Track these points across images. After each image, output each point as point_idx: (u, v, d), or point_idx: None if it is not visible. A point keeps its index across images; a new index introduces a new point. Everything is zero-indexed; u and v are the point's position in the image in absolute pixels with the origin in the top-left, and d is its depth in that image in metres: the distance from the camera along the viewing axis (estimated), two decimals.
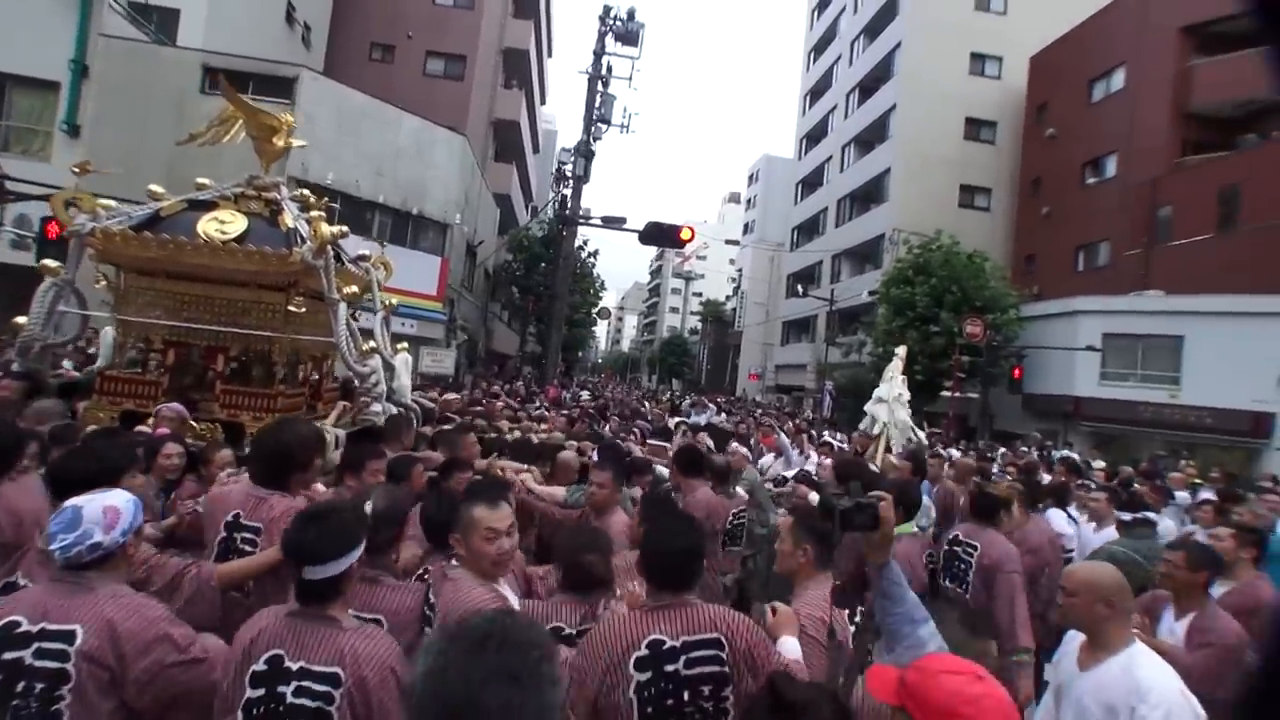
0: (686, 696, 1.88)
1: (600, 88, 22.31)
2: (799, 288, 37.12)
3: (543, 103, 39.50)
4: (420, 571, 2.72)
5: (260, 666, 1.73)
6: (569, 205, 20.97)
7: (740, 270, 55.33)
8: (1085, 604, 2.29)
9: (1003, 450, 13.96)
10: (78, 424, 4.06)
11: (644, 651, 1.91)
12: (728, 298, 62.13)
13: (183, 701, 1.85)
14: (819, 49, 42.73)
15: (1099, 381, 19.42)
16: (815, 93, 42.70)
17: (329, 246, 4.51)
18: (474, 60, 26.56)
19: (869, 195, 33.62)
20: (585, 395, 21.30)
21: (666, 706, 1.88)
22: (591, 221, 21.67)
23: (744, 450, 6.74)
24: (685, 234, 17.97)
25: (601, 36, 21.58)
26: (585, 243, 29.33)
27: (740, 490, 5.61)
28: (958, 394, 20.16)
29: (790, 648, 2.07)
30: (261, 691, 1.71)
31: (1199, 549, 3.37)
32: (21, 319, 4.68)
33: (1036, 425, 19.96)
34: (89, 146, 14.77)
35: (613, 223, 24.07)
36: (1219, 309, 17.37)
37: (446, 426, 6.01)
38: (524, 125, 30.83)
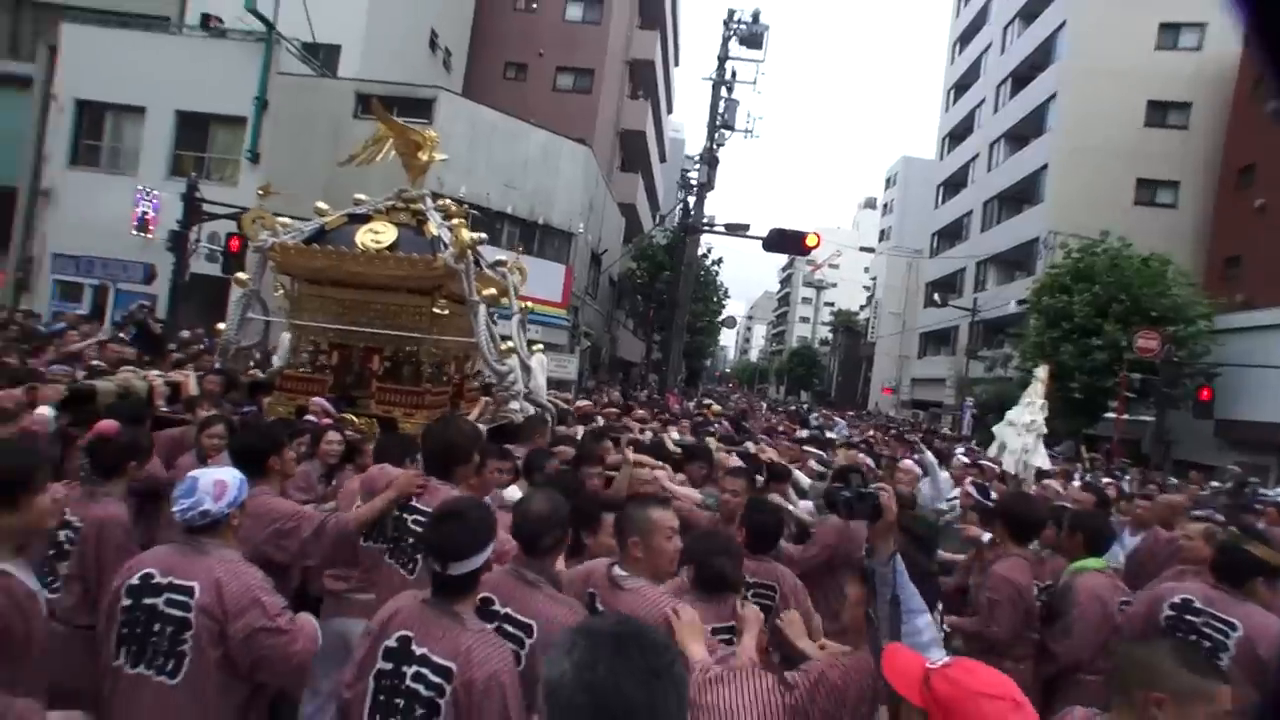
0: None
1: (725, 93, 21.97)
2: (937, 297, 34.52)
3: (669, 112, 39.65)
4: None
5: (392, 643, 1.87)
6: (691, 212, 20.73)
7: (874, 278, 52.59)
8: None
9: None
10: (263, 414, 4.83)
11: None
12: (861, 308, 59.32)
13: (264, 665, 2.06)
14: (965, 38, 39.76)
15: None
16: (960, 86, 39.73)
17: (469, 251, 4.85)
18: (601, 73, 27.11)
19: (1021, 196, 30.64)
20: (712, 405, 20.86)
21: None
22: (714, 229, 21.33)
23: (917, 469, 6.24)
24: (811, 240, 17.24)
25: (725, 40, 21.28)
26: (709, 250, 28.96)
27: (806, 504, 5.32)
28: (1122, 416, 17.64)
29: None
30: (390, 665, 1.86)
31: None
32: (221, 325, 5.41)
33: (1236, 458, 17.00)
34: (266, 171, 16.68)
35: (736, 230, 23.61)
36: None
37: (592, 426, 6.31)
38: (650, 135, 31.03)
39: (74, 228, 16.57)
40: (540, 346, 6.19)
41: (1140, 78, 26.50)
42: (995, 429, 12.70)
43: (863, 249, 40.55)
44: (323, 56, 19.21)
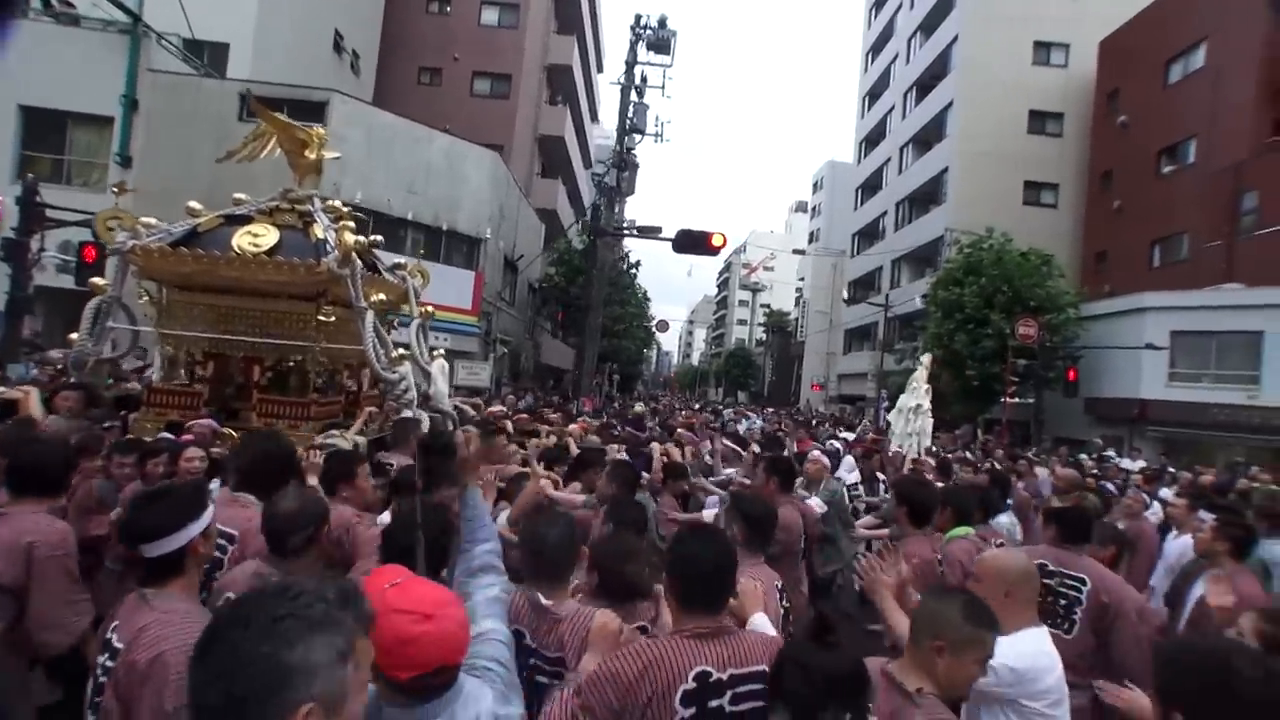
0: None
1: (636, 97, 22.35)
2: (856, 295, 35.81)
3: (594, 118, 39.95)
4: None
5: (106, 635, 1.87)
6: (601, 216, 20.98)
7: (802, 279, 54.05)
8: (988, 591, 2.28)
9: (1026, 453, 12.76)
10: (128, 431, 4.48)
11: (691, 685, 1.76)
12: (794, 308, 60.83)
13: None
14: (876, 49, 41.45)
15: (1167, 383, 17.72)
16: (873, 94, 41.37)
17: (359, 256, 4.64)
18: (519, 79, 27.17)
19: (928, 197, 32.15)
20: (639, 407, 21.15)
21: None
22: (625, 232, 21.64)
23: (824, 459, 6.37)
24: (717, 240, 17.63)
25: (633, 45, 21.59)
26: (626, 255, 29.27)
27: (817, 502, 5.33)
28: (1012, 399, 18.76)
29: (760, 623, 2.12)
30: (101, 658, 1.85)
31: (1105, 526, 3.81)
32: (74, 335, 4.94)
33: (1100, 431, 18.33)
34: (141, 176, 15.72)
35: (648, 232, 23.94)
36: None
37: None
38: (571, 140, 31.23)
39: None
40: (441, 352, 5.97)
41: (1022, 89, 28.48)
42: (889, 415, 13.42)
43: (795, 251, 41.60)
44: (208, 55, 18.38)
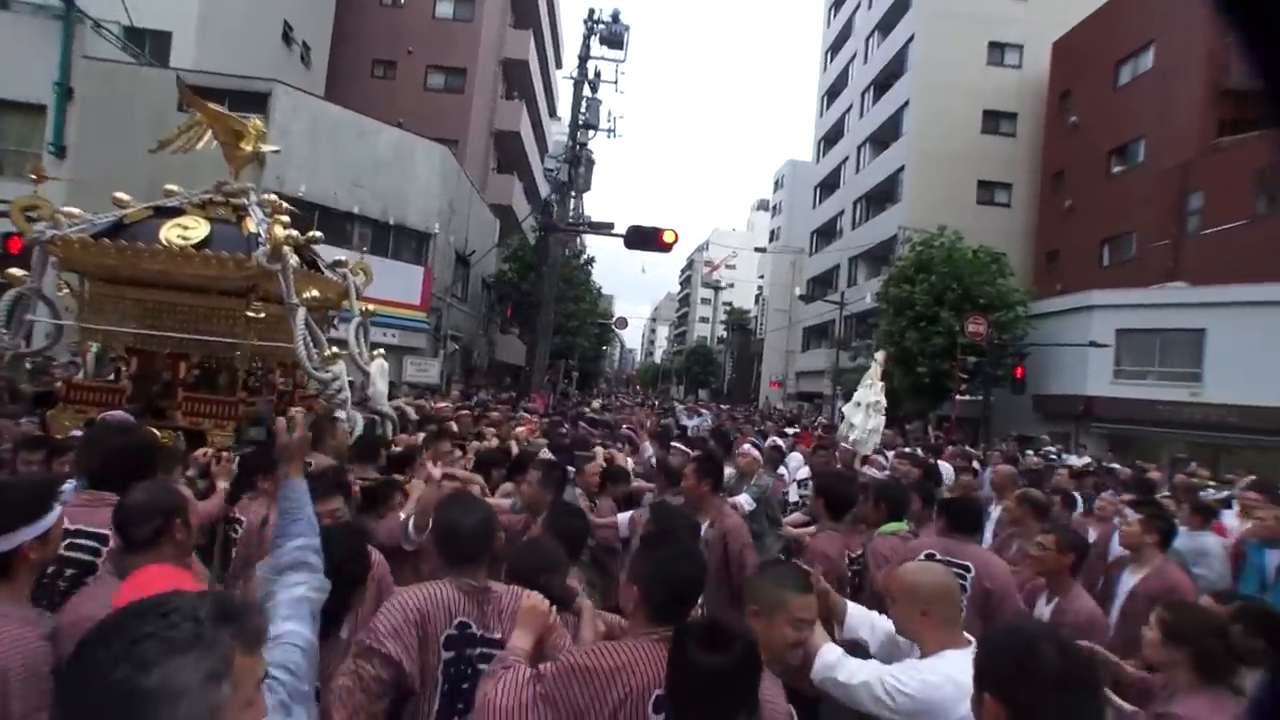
0: None
1: (589, 92, 22.11)
2: (814, 292, 36.16)
3: (553, 114, 39.58)
4: None
5: None
6: (554, 212, 20.70)
7: (761, 276, 54.44)
8: (904, 611, 2.21)
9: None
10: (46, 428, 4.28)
11: (663, 692, 1.68)
12: (755, 305, 61.23)
13: None
14: (835, 48, 41.87)
15: (1112, 380, 18.14)
16: (832, 93, 41.80)
17: (296, 251, 4.57)
18: (474, 73, 26.71)
19: (884, 195, 32.57)
20: (596, 404, 20.94)
21: None
22: (577, 228, 21.40)
23: (755, 453, 6.22)
24: (668, 236, 17.56)
25: (586, 40, 21.38)
26: (580, 251, 29.03)
27: (746, 499, 5.21)
28: (962, 396, 19.06)
29: (514, 641, 1.94)
30: None
31: (1068, 532, 3.48)
32: None
33: (1048, 428, 18.72)
34: (76, 166, 15.13)
35: (600, 228, 23.72)
36: (1246, 299, 15.96)
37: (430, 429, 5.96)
38: (527, 136, 30.84)
39: None
40: (381, 352, 5.88)
41: (976, 89, 28.95)
42: (845, 409, 13.51)
43: (757, 249, 41.77)
44: (150, 44, 17.84)
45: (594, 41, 21.48)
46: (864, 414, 12.48)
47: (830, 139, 41.25)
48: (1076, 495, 6.61)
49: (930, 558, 3.23)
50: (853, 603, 2.76)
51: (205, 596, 1.01)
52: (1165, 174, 20.76)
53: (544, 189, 38.13)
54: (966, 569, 3.24)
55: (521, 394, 18.44)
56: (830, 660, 2.16)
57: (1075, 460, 13.62)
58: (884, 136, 32.98)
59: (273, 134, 15.63)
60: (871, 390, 12.47)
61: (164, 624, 0.92)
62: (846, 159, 37.83)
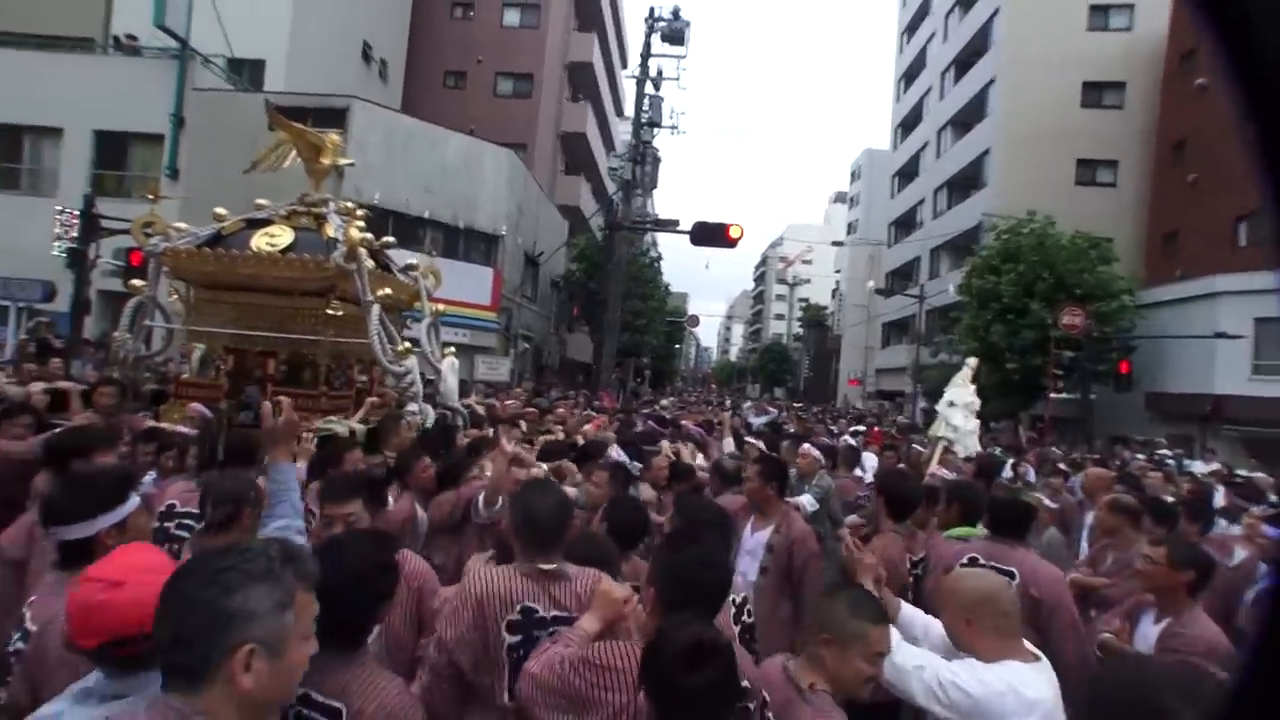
0: None
1: (652, 90, 21.94)
2: (894, 286, 34.64)
3: (619, 113, 39.61)
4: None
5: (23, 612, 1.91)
6: (618, 211, 20.63)
7: (838, 271, 52.76)
8: (950, 619, 2.11)
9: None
10: (117, 427, 4.57)
11: None
12: (831, 300, 59.47)
13: None
14: (912, 28, 40.01)
15: (1250, 376, 16.07)
16: (909, 76, 39.94)
17: (370, 254, 4.87)
18: (540, 77, 27.08)
19: (968, 182, 30.80)
20: (665, 402, 20.71)
21: None
22: (641, 226, 21.23)
23: (815, 452, 6.00)
24: (734, 231, 17.32)
25: (647, 38, 21.23)
26: (648, 248, 28.85)
27: (808, 499, 5.12)
28: (1055, 394, 17.64)
29: (581, 624, 1.95)
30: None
31: (1187, 547, 2.94)
32: (115, 333, 5.44)
33: (1166, 430, 16.98)
34: (186, 187, 16.53)
35: (665, 225, 23.56)
36: None
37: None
38: (594, 136, 30.97)
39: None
40: (452, 350, 6.15)
41: (1074, 60, 26.68)
42: (939, 407, 13.02)
43: (834, 243, 40.59)
44: (248, 72, 19.16)
45: (655, 39, 21.33)
46: (962, 414, 11.93)
47: (908, 124, 39.43)
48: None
49: (973, 562, 3.05)
50: (906, 604, 2.60)
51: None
52: None
53: (611, 188, 38.39)
54: (1011, 575, 2.93)
55: (591, 392, 18.47)
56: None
57: (1200, 466, 12.25)
58: (966, 118, 31.15)
59: (351, 146, 16.41)
60: (967, 390, 11.95)
61: (242, 559, 1.14)
62: (926, 145, 36.04)
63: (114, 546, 1.83)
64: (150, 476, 3.62)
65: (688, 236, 16.86)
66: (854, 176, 59.10)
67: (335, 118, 17.16)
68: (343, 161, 5.61)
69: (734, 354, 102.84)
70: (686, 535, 2.20)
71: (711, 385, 66.40)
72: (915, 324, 33.13)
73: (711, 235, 17.53)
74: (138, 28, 17.65)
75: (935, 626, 2.39)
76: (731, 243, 17.40)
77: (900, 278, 37.69)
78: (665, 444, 5.69)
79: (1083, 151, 26.71)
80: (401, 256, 6.59)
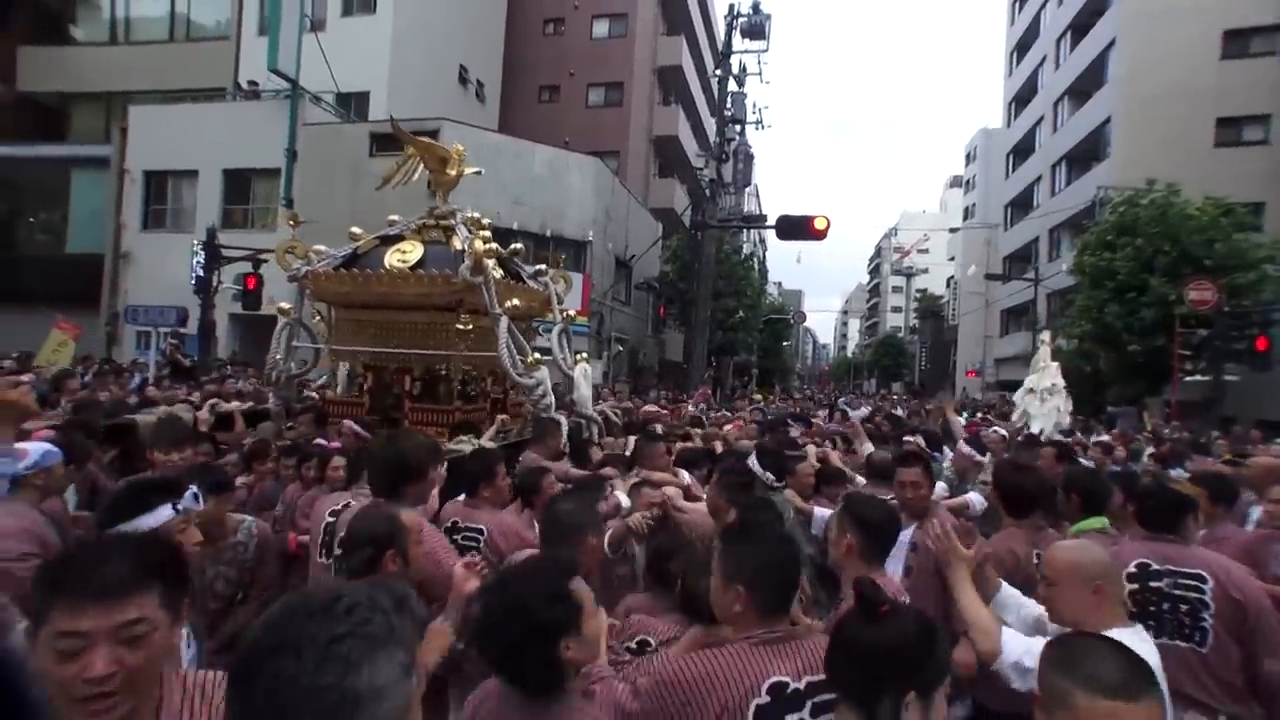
0: None
1: (735, 86, 22.06)
2: (1012, 270, 32.44)
3: (712, 112, 39.66)
4: None
5: None
6: (705, 210, 20.88)
7: (951, 258, 49.88)
8: (1071, 593, 1.99)
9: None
10: (268, 440, 4.82)
11: (765, 699, 1.60)
12: (946, 289, 56.27)
13: None
14: None
15: None
16: (1022, 47, 37.19)
17: (500, 264, 4.95)
18: (630, 84, 27.82)
19: (1089, 154, 28.32)
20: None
21: None
22: (727, 223, 21.36)
23: (967, 449, 5.39)
24: (819, 224, 17.24)
25: (728, 35, 21.37)
26: (741, 245, 28.77)
27: (977, 497, 4.68)
28: (1189, 377, 16.06)
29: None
30: None
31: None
32: (269, 355, 5.60)
33: None
34: (298, 214, 18.52)
35: (753, 222, 23.58)
36: None
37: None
38: (686, 138, 31.32)
39: (148, 284, 18.86)
40: (584, 356, 5.98)
41: (1212, 6, 23.87)
42: (1016, 397, 12.69)
43: (951, 230, 38.65)
44: (354, 104, 21.18)
45: (736, 36, 21.43)
46: (1039, 400, 11.60)
47: (1022, 99, 36.73)
48: None
49: (1145, 569, 2.68)
50: (1006, 584, 2.44)
51: (377, 589, 0.96)
52: None
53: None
54: (1200, 578, 2.60)
55: (681, 391, 18.83)
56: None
57: None
58: (1085, 87, 28.65)
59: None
60: (1046, 374, 11.59)
61: (355, 622, 0.88)
62: (1041, 119, 33.46)
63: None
64: (192, 491, 3.52)
65: (738, 227, 16.81)
66: (969, 159, 55.68)
67: (428, 139, 18.68)
68: (469, 171, 5.68)
69: (850, 349, 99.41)
70: (745, 528, 2.03)
71: (823, 383, 64.67)
72: (1036, 309, 30.89)
73: (798, 228, 17.44)
74: (259, 74, 19.74)
75: (1030, 609, 2.31)
76: (818, 235, 17.21)
77: (1018, 261, 35.22)
78: (811, 448, 5.35)
79: (1225, 109, 23.81)
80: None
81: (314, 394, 6.50)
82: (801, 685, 1.61)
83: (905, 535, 3.12)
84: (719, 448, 5.55)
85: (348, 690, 0.82)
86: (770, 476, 3.70)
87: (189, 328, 15.25)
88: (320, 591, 0.93)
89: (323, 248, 5.36)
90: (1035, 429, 10.44)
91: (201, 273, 14.63)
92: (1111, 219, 18.75)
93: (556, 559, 1.62)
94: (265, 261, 15.25)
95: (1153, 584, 2.64)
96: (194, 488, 2.04)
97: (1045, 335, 10.87)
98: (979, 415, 16.36)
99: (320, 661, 0.83)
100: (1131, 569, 2.65)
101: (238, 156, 19.43)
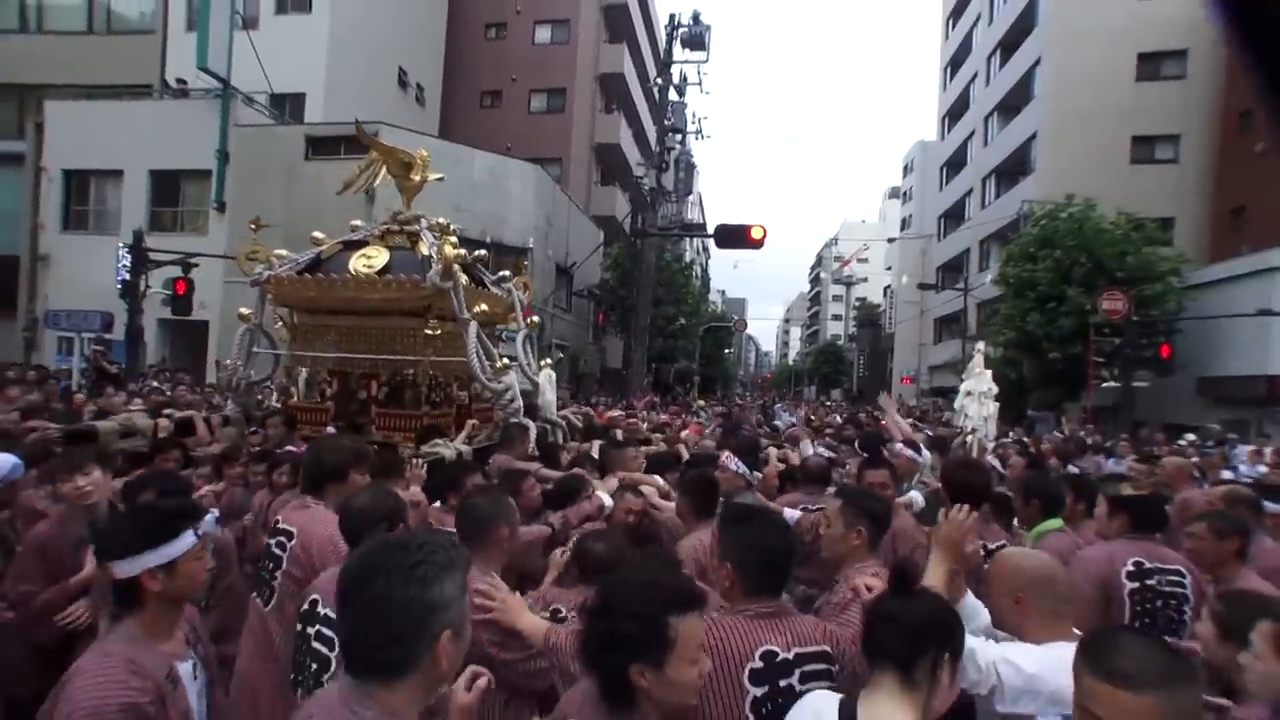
0: None
1: (676, 96, 22.24)
2: (944, 280, 33.62)
3: (655, 121, 39.96)
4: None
5: None
6: (644, 219, 20.93)
7: (888, 268, 51.42)
8: (997, 599, 2.07)
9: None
10: (240, 443, 4.67)
11: (758, 664, 1.78)
12: (883, 298, 57.95)
13: None
14: (957, 12, 38.74)
15: None
16: (955, 63, 38.71)
17: (463, 269, 4.89)
18: (572, 91, 27.73)
19: (1016, 168, 29.60)
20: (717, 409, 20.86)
21: None
22: (666, 232, 21.47)
23: (909, 452, 5.48)
24: (756, 233, 17.44)
25: (669, 45, 21.53)
26: (684, 253, 28.98)
27: (917, 495, 4.64)
28: (1104, 383, 16.87)
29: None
30: None
31: (1222, 518, 3.02)
32: (226, 361, 5.48)
33: (1221, 415, 16.03)
34: (230, 218, 17.72)
35: (692, 230, 23.71)
36: None
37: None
38: (629, 146, 31.40)
39: (70, 287, 17.80)
40: (549, 362, 6.05)
41: (1127, 31, 25.20)
42: (956, 403, 13.12)
43: (890, 240, 39.73)
44: (289, 106, 20.44)
45: (677, 46, 21.61)
46: (977, 403, 12.04)
47: (955, 113, 38.21)
48: None
49: (1140, 567, 2.83)
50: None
51: (438, 534, 1.40)
52: None
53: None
54: (1181, 574, 2.82)
55: (620, 398, 18.76)
56: None
57: (1242, 451, 11.56)
58: (1014, 103, 29.96)
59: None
60: (982, 379, 12.06)
61: (427, 553, 1.22)
62: (973, 133, 34.85)
63: (165, 593, 1.69)
64: (212, 515, 3.63)
65: (676, 236, 16.97)
66: (906, 170, 57.53)
67: (364, 144, 18.17)
68: (433, 177, 5.66)
69: (792, 357, 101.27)
70: (741, 512, 2.18)
71: (769, 390, 65.67)
72: (967, 318, 32.06)
73: (735, 237, 17.65)
74: (188, 72, 18.95)
75: (983, 613, 2.30)
76: (755, 244, 17.43)
77: (951, 271, 36.54)
78: (773, 450, 5.40)
79: (1139, 128, 25.17)
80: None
81: (275, 402, 6.34)
82: (790, 655, 1.78)
83: None
84: (684, 452, 5.64)
85: (425, 600, 1.18)
86: (757, 476, 4.13)
87: (114, 333, 14.62)
88: (396, 535, 1.39)
89: (284, 252, 5.28)
90: (980, 430, 10.70)
91: (128, 276, 13.98)
92: (1033, 232, 19.60)
93: (676, 588, 1.54)
94: (196, 265, 14.72)
95: (1148, 581, 2.82)
96: (214, 510, 2.07)
97: (980, 344, 11.24)
98: (910, 421, 16.75)
99: (405, 580, 1.18)
100: (1130, 567, 2.82)
101: (166, 157, 18.57)
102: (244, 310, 5.42)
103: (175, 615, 1.80)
